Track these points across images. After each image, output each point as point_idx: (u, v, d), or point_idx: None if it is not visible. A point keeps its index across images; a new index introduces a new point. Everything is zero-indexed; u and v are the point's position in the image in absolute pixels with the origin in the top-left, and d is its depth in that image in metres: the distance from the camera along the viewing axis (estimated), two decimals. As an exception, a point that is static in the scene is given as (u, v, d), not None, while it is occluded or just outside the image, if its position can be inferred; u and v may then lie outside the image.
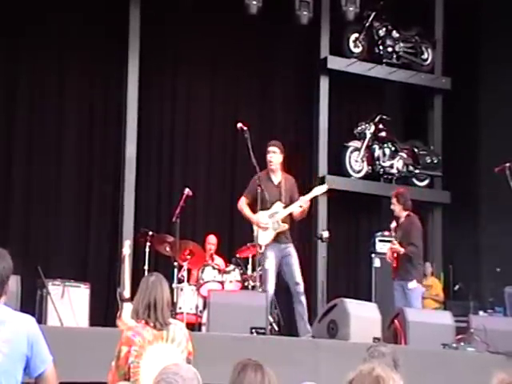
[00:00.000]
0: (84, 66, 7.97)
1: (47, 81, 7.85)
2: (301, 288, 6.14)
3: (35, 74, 7.77)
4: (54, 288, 6.23)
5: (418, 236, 6.70)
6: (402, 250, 6.60)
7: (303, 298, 6.15)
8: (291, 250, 6.22)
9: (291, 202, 6.21)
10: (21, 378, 2.78)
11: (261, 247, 6.10)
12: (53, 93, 7.89)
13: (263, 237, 6.14)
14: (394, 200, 6.76)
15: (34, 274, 6.08)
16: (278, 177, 6.28)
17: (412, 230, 6.66)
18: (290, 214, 6.25)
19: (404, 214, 6.72)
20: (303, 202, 6.17)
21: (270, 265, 6.08)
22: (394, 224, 6.75)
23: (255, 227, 6.19)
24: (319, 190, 6.38)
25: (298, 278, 6.15)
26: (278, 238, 6.16)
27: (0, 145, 7.69)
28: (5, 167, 7.66)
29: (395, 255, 6.67)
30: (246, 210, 6.24)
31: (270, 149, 6.29)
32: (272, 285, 6.08)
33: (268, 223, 6.13)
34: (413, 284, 6.54)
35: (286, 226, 6.17)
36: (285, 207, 6.19)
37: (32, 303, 5.99)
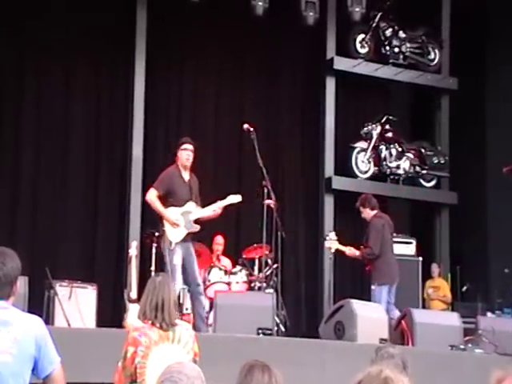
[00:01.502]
0: (91, 63, 7.98)
1: (54, 77, 7.86)
2: (201, 289, 6.16)
3: (42, 67, 7.76)
4: (62, 289, 6.24)
5: (377, 236, 6.72)
6: (356, 254, 6.71)
7: (203, 298, 6.13)
8: (192, 249, 6.20)
9: (196, 201, 6.19)
10: (29, 378, 2.79)
11: (171, 243, 6.00)
12: (59, 93, 7.91)
13: (174, 234, 6.04)
14: (361, 208, 6.91)
15: (42, 275, 6.09)
16: (187, 175, 6.21)
17: (370, 230, 6.75)
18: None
19: (372, 214, 6.85)
20: (217, 206, 6.17)
21: (178, 260, 6.01)
22: (332, 235, 6.89)
23: (165, 223, 6.08)
24: (234, 199, 6.32)
25: (199, 279, 6.20)
26: (186, 237, 6.10)
27: (7, 144, 7.70)
28: (13, 168, 7.68)
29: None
30: (158, 204, 6.10)
31: (188, 147, 6.19)
32: (180, 281, 6.02)
33: (179, 220, 6.05)
34: (373, 286, 6.62)
35: (198, 228, 6.15)
36: (196, 208, 6.16)
37: (39, 304, 6.00)
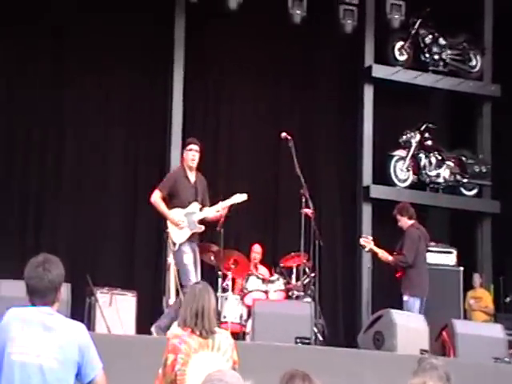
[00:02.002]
0: (129, 73, 8.09)
1: (92, 89, 7.99)
2: None
3: (81, 77, 7.90)
4: (102, 296, 6.32)
5: (412, 247, 6.71)
6: (389, 259, 6.65)
7: None
8: (197, 250, 6.10)
9: (203, 203, 6.08)
10: None
11: (175, 245, 5.94)
12: (98, 102, 8.03)
13: (178, 235, 5.97)
14: (398, 216, 6.89)
15: (83, 283, 6.18)
16: (193, 176, 6.12)
17: (406, 239, 6.74)
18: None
19: (409, 223, 6.84)
20: (221, 207, 6.03)
21: (189, 259, 5.90)
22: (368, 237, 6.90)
23: (169, 224, 6.00)
24: (238, 198, 6.16)
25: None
26: (191, 238, 6.02)
27: (50, 150, 7.84)
28: (54, 176, 7.82)
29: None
30: (162, 206, 6.02)
31: (194, 147, 6.09)
32: (194, 279, 5.82)
33: (184, 221, 5.97)
34: (405, 297, 6.55)
35: (202, 228, 6.03)
36: (201, 208, 6.04)
37: (81, 311, 6.08)
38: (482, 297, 8.37)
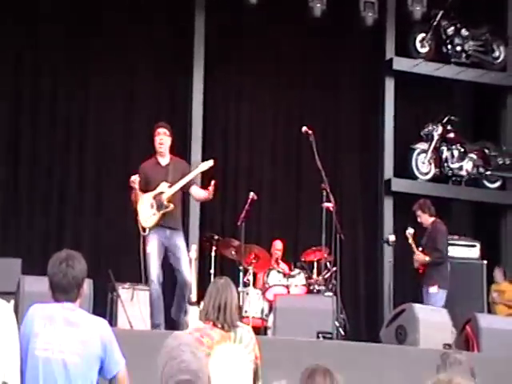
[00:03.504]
0: (152, 72, 8.11)
1: (115, 89, 8.02)
2: (188, 289, 5.67)
3: (104, 77, 7.93)
4: (124, 291, 6.36)
5: (444, 241, 6.79)
6: (426, 259, 6.67)
7: (186, 288, 5.67)
8: (178, 239, 5.70)
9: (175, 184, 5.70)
10: (96, 379, 2.85)
11: (144, 230, 5.65)
12: (121, 100, 8.06)
13: (146, 220, 5.66)
14: (419, 212, 6.91)
15: (105, 278, 6.22)
16: (166, 160, 5.82)
17: (437, 235, 6.74)
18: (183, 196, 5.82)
19: (430, 220, 6.83)
20: (188, 179, 5.68)
21: (152, 248, 5.58)
22: (411, 230, 6.83)
23: (142, 209, 5.69)
24: (204, 166, 5.84)
25: (188, 276, 5.67)
26: (163, 222, 5.65)
27: (73, 145, 7.90)
28: (77, 174, 7.87)
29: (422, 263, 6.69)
30: (135, 197, 5.73)
31: (161, 130, 5.78)
32: (155, 270, 5.57)
33: (152, 203, 5.66)
34: (433, 289, 6.54)
35: (171, 206, 5.63)
36: (170, 186, 5.70)
37: (103, 306, 6.13)
38: (506, 290, 8.28)
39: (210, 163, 5.89)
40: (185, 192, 5.96)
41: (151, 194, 5.76)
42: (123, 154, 8.00)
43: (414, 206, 7.04)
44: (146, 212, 5.72)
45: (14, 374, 2.69)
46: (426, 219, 6.87)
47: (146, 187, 5.78)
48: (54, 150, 7.83)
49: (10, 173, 7.66)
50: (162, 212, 5.67)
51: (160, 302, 5.66)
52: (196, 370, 1.83)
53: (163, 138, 5.79)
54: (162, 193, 5.71)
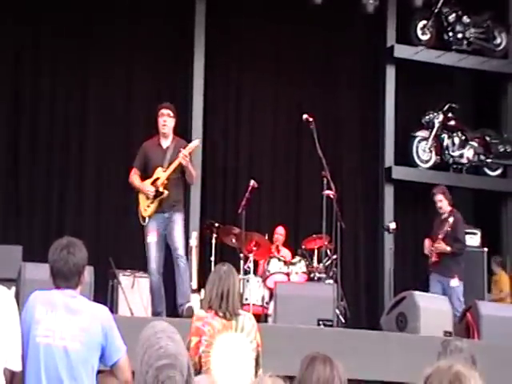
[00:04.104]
0: (150, 67, 8.07)
1: (116, 79, 7.99)
2: (180, 252, 5.50)
3: (105, 70, 7.91)
4: (125, 279, 6.37)
5: (463, 232, 6.73)
6: (448, 249, 6.55)
7: (181, 262, 5.51)
8: (176, 216, 5.58)
9: (180, 166, 5.55)
10: (97, 366, 2.85)
11: (144, 219, 5.60)
12: (120, 95, 8.02)
13: (146, 208, 5.60)
14: (441, 197, 6.78)
15: (106, 265, 6.22)
16: (168, 142, 5.68)
17: (458, 225, 6.65)
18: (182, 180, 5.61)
19: (448, 209, 6.77)
20: (178, 161, 5.50)
21: (152, 238, 5.50)
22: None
23: (141, 199, 5.63)
24: (192, 145, 5.68)
25: (179, 242, 5.52)
26: (161, 208, 5.56)
27: (73, 138, 7.89)
28: (78, 160, 7.86)
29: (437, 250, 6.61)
30: (136, 180, 5.66)
31: (164, 111, 5.65)
32: (154, 261, 5.49)
33: (152, 191, 5.58)
34: (455, 282, 6.48)
35: (166, 193, 5.53)
36: (165, 171, 5.59)
37: (103, 294, 6.14)
38: (497, 280, 8.28)
39: (196, 143, 5.78)
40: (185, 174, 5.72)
41: (149, 181, 5.70)
42: (124, 139, 7.98)
43: (434, 190, 6.91)
44: (144, 202, 5.69)
45: (16, 360, 2.70)
46: (445, 206, 6.75)
47: (144, 168, 5.69)
48: (54, 128, 7.79)
49: (10, 161, 7.64)
50: (158, 199, 5.60)
51: (161, 291, 5.64)
52: (175, 353, 1.84)
53: (167, 120, 5.67)
54: (157, 179, 5.64)
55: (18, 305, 2.82)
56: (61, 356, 2.77)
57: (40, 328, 2.79)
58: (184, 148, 5.61)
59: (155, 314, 5.65)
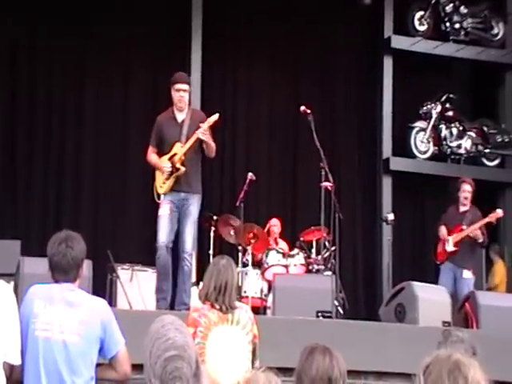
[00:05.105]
0: (148, 61, 8.04)
1: (113, 79, 7.97)
2: (187, 253, 5.28)
3: (102, 59, 7.87)
4: (123, 272, 6.36)
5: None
6: (481, 239, 6.55)
7: (186, 265, 5.31)
8: (192, 204, 5.31)
9: (199, 142, 5.31)
10: (96, 359, 2.85)
11: (159, 197, 5.38)
12: (118, 91, 7.99)
13: (161, 185, 5.38)
14: (471, 189, 6.74)
15: (104, 259, 6.22)
16: (183, 115, 5.42)
17: (481, 219, 6.63)
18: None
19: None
20: (196, 136, 5.27)
21: (164, 211, 5.27)
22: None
23: (157, 175, 5.42)
24: (212, 119, 5.41)
25: (188, 240, 5.29)
26: (177, 186, 5.32)
27: (71, 132, 7.87)
28: (75, 154, 7.84)
29: (455, 239, 6.54)
30: (153, 157, 5.43)
31: (181, 87, 5.35)
32: (164, 235, 5.24)
33: (168, 167, 5.33)
34: (468, 274, 6.46)
35: (182, 169, 5.29)
36: (183, 146, 5.34)
37: (102, 287, 6.13)
38: (495, 269, 8.28)
39: (215, 117, 5.44)
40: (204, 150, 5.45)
41: (166, 158, 5.42)
42: (121, 131, 7.97)
43: (465, 180, 6.83)
44: (160, 178, 5.43)
45: (15, 353, 2.70)
46: (470, 200, 6.72)
47: (160, 143, 5.46)
48: (50, 124, 7.77)
49: (7, 152, 7.62)
50: (174, 176, 5.34)
51: (167, 269, 5.28)
52: (182, 345, 1.85)
53: (183, 96, 5.39)
54: (175, 155, 5.37)
55: (16, 299, 2.81)
56: (60, 349, 2.77)
57: (39, 322, 2.79)
58: (202, 121, 5.38)
59: (159, 289, 5.33)
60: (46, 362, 2.76)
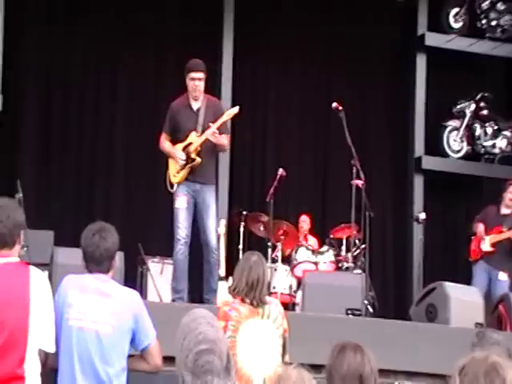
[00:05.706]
0: (179, 61, 8.07)
1: (145, 73, 8.00)
2: (212, 247, 5.15)
3: (134, 52, 7.93)
4: (154, 265, 6.41)
5: None
6: None
7: (212, 258, 5.19)
8: (208, 194, 5.17)
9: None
10: (128, 350, 2.87)
11: (172, 186, 5.23)
12: (149, 90, 8.03)
13: (175, 175, 5.24)
14: None
15: (135, 251, 6.27)
16: (198, 103, 5.26)
17: None
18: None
19: None
20: (215, 127, 5.12)
21: (181, 203, 5.10)
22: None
23: (170, 163, 5.27)
24: (231, 112, 5.32)
25: (211, 234, 5.15)
26: (191, 176, 5.17)
27: (103, 125, 7.95)
28: (107, 145, 7.91)
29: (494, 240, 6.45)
30: (167, 145, 5.29)
31: (196, 75, 5.17)
32: (183, 228, 5.08)
33: (183, 157, 5.18)
34: (504, 276, 6.37)
35: (198, 160, 5.13)
36: (199, 136, 5.18)
37: (133, 279, 6.19)
38: None
39: (235, 110, 5.36)
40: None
41: (181, 147, 5.27)
42: (152, 124, 8.00)
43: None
44: (174, 167, 5.28)
45: (50, 341, 2.73)
46: None
47: (174, 131, 5.33)
48: (84, 115, 7.85)
49: (41, 140, 7.71)
50: (189, 166, 5.19)
51: (184, 264, 5.14)
52: (214, 339, 1.87)
53: (198, 85, 5.23)
54: (190, 144, 5.22)
55: (51, 289, 2.85)
56: (92, 339, 2.80)
57: (72, 311, 2.82)
58: (217, 110, 5.30)
59: (175, 290, 5.19)
60: (80, 350, 2.79)
